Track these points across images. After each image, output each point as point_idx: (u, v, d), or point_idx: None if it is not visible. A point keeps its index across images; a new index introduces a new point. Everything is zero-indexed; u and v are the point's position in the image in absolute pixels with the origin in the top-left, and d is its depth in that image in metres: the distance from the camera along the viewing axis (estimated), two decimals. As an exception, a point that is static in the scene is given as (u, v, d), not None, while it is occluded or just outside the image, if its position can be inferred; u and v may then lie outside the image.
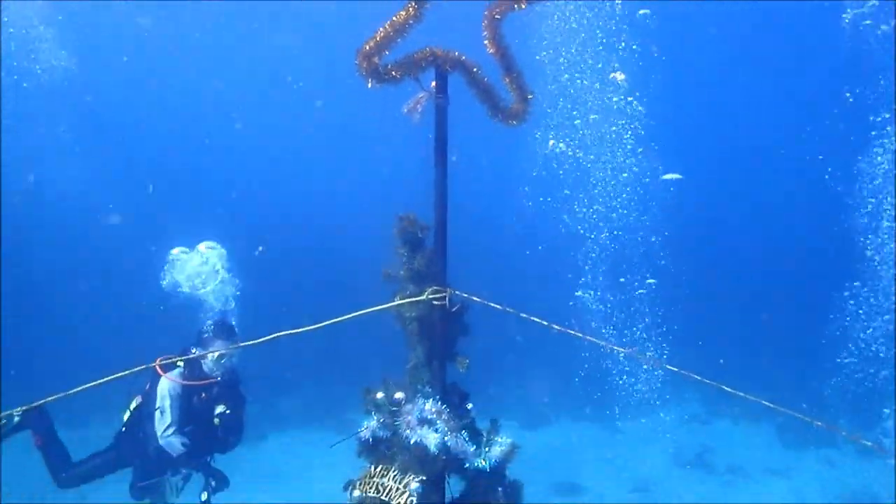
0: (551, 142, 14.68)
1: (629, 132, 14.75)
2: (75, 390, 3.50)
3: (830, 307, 14.16)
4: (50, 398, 3.58)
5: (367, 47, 3.77)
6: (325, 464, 4.38)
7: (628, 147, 14.85)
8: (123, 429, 6.29)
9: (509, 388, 17.21)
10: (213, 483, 6.17)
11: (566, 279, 15.70)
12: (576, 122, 14.67)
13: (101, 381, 3.54)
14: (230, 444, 6.30)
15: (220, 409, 6.11)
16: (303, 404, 15.50)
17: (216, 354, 6.04)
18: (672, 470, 14.01)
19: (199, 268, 6.63)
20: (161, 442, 5.96)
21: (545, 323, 3.96)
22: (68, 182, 20.38)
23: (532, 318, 3.97)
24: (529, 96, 4.14)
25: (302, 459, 13.15)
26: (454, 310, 4.14)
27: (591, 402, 17.14)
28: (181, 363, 6.08)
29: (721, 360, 13.68)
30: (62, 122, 21.05)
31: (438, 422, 3.99)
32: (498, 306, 4.03)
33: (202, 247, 6.74)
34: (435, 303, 4.07)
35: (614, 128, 14.68)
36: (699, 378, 4.35)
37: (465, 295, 4.12)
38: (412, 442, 3.97)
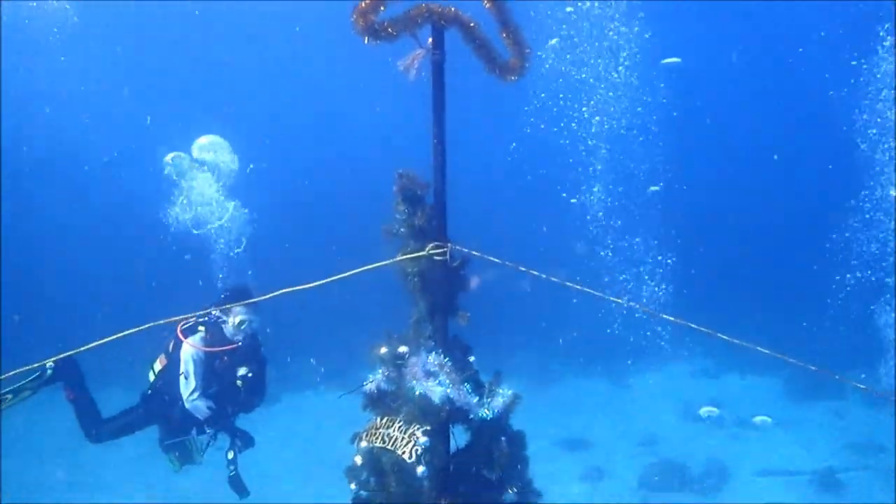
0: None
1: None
2: (101, 341, 3.59)
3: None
4: (80, 349, 3.66)
5: (363, 4, 3.77)
6: (337, 423, 4.50)
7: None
8: (150, 391, 6.42)
9: (518, 345, 17.35)
10: (238, 443, 6.32)
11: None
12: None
13: (126, 332, 3.62)
14: (253, 404, 6.41)
15: (242, 371, 6.20)
16: (316, 365, 15.71)
17: (237, 320, 6.14)
18: (680, 424, 14.19)
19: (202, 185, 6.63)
20: (187, 406, 6.11)
21: (543, 276, 4.02)
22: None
23: (531, 271, 4.02)
24: (527, 51, 4.14)
25: (314, 419, 13.39)
26: (455, 265, 4.19)
27: (599, 358, 17.33)
28: (203, 328, 6.16)
29: (723, 307, 13.67)
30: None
31: (441, 374, 4.07)
32: (497, 260, 4.09)
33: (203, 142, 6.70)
34: (436, 258, 4.13)
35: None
36: (697, 327, 4.41)
37: (465, 250, 4.18)
38: (416, 394, 4.06)
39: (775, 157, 22.41)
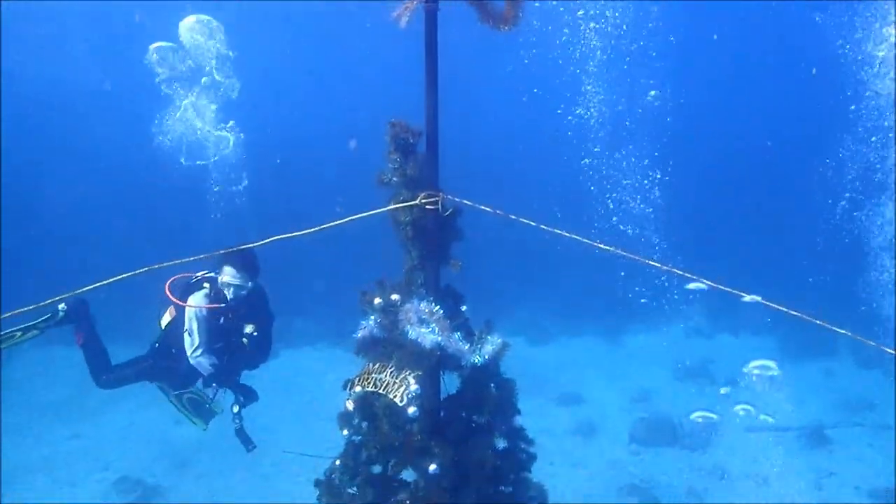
0: None
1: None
2: (109, 280, 3.65)
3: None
4: (87, 287, 3.72)
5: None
6: (334, 378, 4.63)
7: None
8: (157, 344, 6.52)
9: (513, 304, 17.49)
10: (241, 398, 6.41)
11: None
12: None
13: (132, 273, 3.68)
14: (258, 360, 6.52)
15: (248, 328, 6.26)
16: (314, 323, 15.86)
17: (227, 279, 6.16)
18: (672, 381, 14.39)
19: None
20: (191, 361, 6.22)
21: (533, 223, 4.08)
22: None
23: (522, 219, 4.08)
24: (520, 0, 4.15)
25: (312, 375, 13.57)
26: (447, 214, 4.25)
27: (595, 316, 17.48)
28: (207, 285, 6.20)
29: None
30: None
31: (432, 322, 4.15)
32: (488, 209, 4.14)
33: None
34: (428, 207, 4.19)
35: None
36: (701, 280, 4.47)
37: (457, 199, 4.23)
38: (408, 340, 4.15)
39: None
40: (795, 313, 4.43)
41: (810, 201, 15.55)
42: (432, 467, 4.09)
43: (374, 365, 4.35)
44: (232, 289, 6.14)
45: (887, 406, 12.50)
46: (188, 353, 6.19)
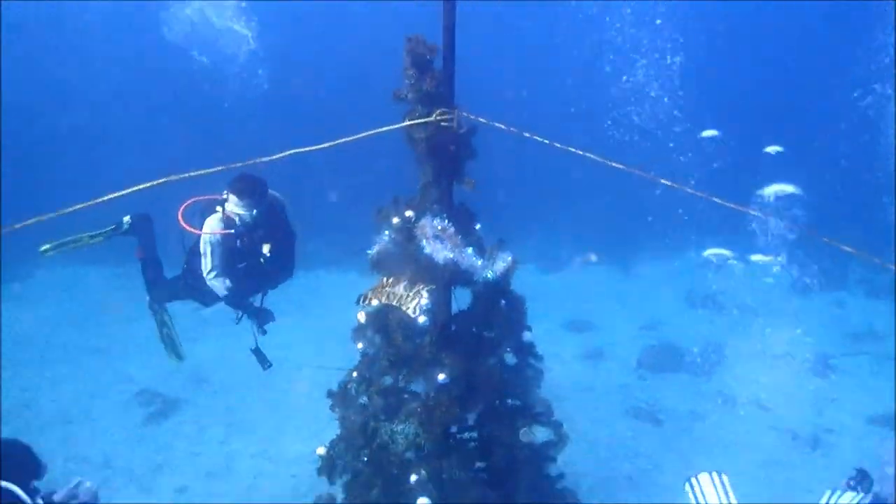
0: None
1: None
2: (127, 191, 3.73)
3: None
4: (105, 197, 3.79)
5: None
6: (348, 299, 4.75)
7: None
8: (185, 265, 6.62)
9: (526, 231, 17.55)
10: (258, 320, 6.52)
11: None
12: None
13: (149, 184, 3.76)
14: (280, 279, 6.58)
15: (265, 248, 6.25)
16: (326, 245, 16.01)
17: (231, 208, 6.16)
18: (682, 310, 14.54)
19: None
20: (208, 283, 6.31)
21: (546, 141, 4.10)
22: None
23: (535, 136, 4.11)
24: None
25: (325, 296, 13.78)
26: (462, 131, 4.29)
27: (608, 245, 17.54)
28: (220, 209, 6.18)
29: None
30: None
31: (446, 238, 4.24)
32: (502, 126, 4.17)
33: None
34: (443, 124, 4.22)
35: None
36: (722, 202, 4.51)
37: (472, 116, 4.26)
38: (422, 255, 4.25)
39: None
40: (825, 239, 4.46)
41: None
42: (441, 377, 4.24)
43: (388, 279, 4.47)
44: (237, 217, 6.15)
45: (892, 336, 12.64)
46: (203, 275, 6.28)
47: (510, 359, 4.77)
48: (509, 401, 4.64)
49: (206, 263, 6.21)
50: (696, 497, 4.08)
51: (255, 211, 6.09)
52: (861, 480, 5.88)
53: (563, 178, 17.46)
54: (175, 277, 6.70)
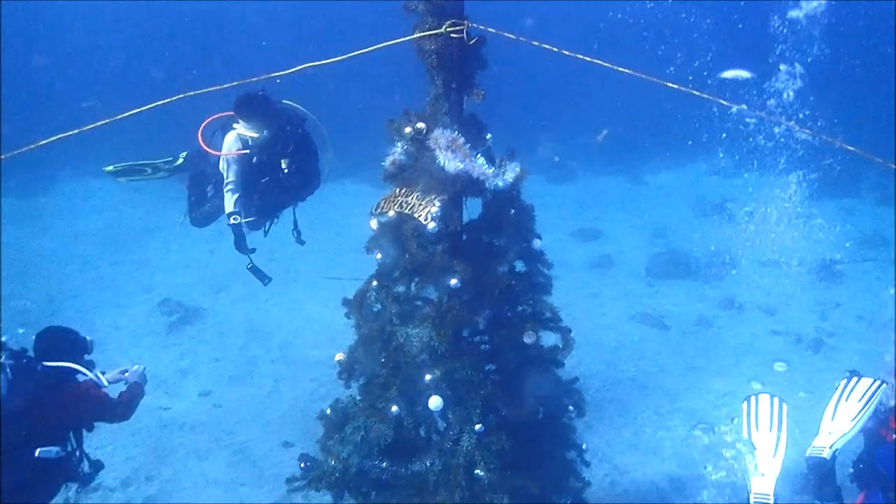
0: None
1: None
2: (146, 107, 3.82)
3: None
4: (138, 109, 3.88)
5: None
6: (361, 212, 4.88)
7: None
8: (213, 180, 6.69)
9: (536, 143, 17.52)
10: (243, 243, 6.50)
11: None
12: None
13: (167, 100, 3.85)
14: (303, 193, 6.65)
15: (283, 164, 6.30)
16: (338, 159, 16.06)
17: (241, 132, 6.19)
18: (691, 218, 14.66)
19: None
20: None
21: (555, 49, 4.13)
22: None
23: (544, 45, 4.14)
24: None
25: (339, 209, 13.96)
26: (471, 42, 4.31)
27: (618, 156, 17.51)
28: (237, 125, 6.21)
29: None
30: None
31: (456, 148, 4.33)
32: (512, 36, 4.19)
33: None
34: (453, 35, 4.24)
35: None
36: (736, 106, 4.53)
37: (482, 27, 4.27)
38: (433, 166, 4.35)
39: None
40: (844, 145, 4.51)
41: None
42: (453, 282, 4.41)
43: (400, 190, 4.59)
44: (249, 139, 6.20)
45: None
46: (224, 189, 6.40)
47: (520, 266, 4.92)
48: (519, 307, 4.82)
49: (227, 178, 6.33)
50: (749, 414, 4.23)
51: (265, 132, 6.13)
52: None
53: (574, 89, 17.28)
54: (214, 195, 6.75)
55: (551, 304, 4.90)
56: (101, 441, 7.79)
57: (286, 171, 6.29)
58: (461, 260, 4.51)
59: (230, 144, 6.25)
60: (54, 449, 4.27)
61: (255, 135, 6.12)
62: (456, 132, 4.35)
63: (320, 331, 9.86)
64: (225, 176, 6.30)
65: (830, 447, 4.18)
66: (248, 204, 6.49)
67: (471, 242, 4.72)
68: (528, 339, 4.62)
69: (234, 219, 6.35)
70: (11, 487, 4.10)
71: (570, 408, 5.05)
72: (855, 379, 4.99)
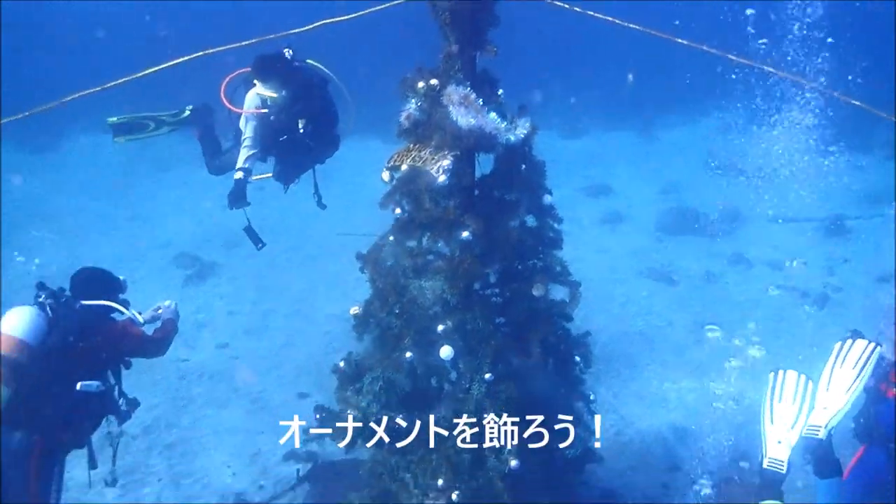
0: None
1: None
2: (165, 65, 3.89)
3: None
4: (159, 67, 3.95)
5: None
6: (374, 169, 4.97)
7: None
8: (233, 134, 6.74)
9: (548, 98, 17.43)
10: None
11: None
12: None
13: (187, 57, 3.93)
14: (324, 154, 6.61)
15: (301, 124, 6.28)
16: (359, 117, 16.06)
17: (259, 91, 6.19)
18: (701, 174, 14.65)
19: None
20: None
21: (567, 6, 4.17)
22: None
23: (556, 1, 4.17)
24: None
25: (351, 165, 13.99)
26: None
27: (630, 112, 17.44)
28: (257, 84, 6.20)
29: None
30: None
31: (469, 104, 4.40)
32: (524, -7, 4.22)
33: None
34: (465, -8, 4.29)
35: None
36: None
37: (495, -16, 4.31)
38: (446, 122, 4.43)
39: None
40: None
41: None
42: (465, 234, 4.53)
43: (414, 145, 4.68)
44: (268, 99, 6.22)
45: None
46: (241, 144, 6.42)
47: (531, 221, 5.03)
48: (529, 261, 4.94)
49: (245, 135, 6.35)
50: (774, 386, 4.31)
51: (283, 92, 6.13)
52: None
53: (586, 46, 17.12)
54: (229, 148, 6.82)
55: (561, 259, 5.02)
56: (125, 389, 8.09)
57: (306, 130, 6.26)
58: (472, 214, 4.62)
59: (250, 102, 6.28)
60: (94, 383, 4.46)
61: (274, 95, 6.14)
62: (468, 88, 4.42)
63: (333, 286, 10.05)
64: (243, 132, 6.34)
65: (826, 427, 4.26)
66: (265, 160, 6.56)
67: (483, 197, 4.83)
68: (536, 291, 4.74)
69: (240, 173, 6.36)
70: (55, 420, 4.32)
71: (577, 358, 5.19)
72: (850, 342, 5.12)
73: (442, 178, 4.43)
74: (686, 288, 10.47)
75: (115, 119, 6.90)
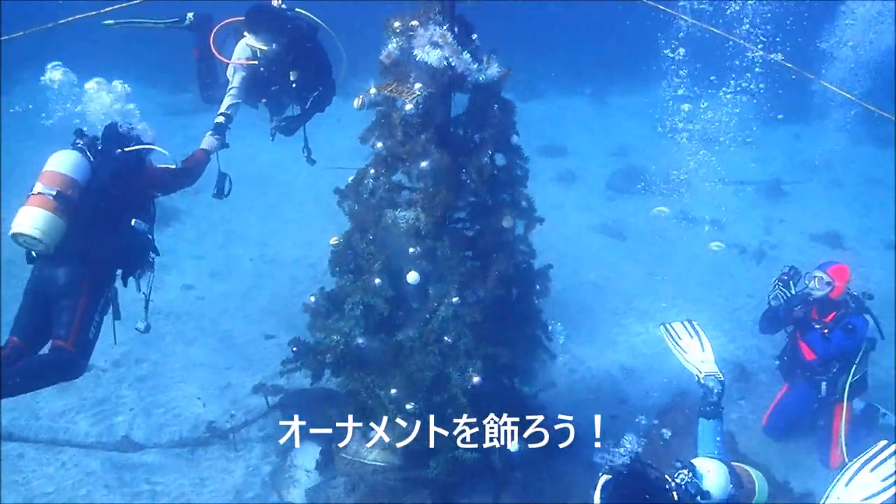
0: None
1: None
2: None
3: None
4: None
5: None
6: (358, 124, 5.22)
7: None
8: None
9: (512, 62, 17.71)
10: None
11: None
12: None
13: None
14: (320, 104, 6.70)
15: (292, 76, 6.33)
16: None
17: (249, 42, 6.19)
18: (650, 138, 15.16)
19: None
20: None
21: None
22: None
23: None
24: None
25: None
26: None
27: (585, 77, 17.88)
28: (247, 35, 6.21)
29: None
30: None
31: (444, 44, 4.71)
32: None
33: None
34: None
35: None
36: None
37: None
38: (422, 59, 4.73)
39: None
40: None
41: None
42: (423, 164, 4.87)
43: (392, 82, 4.97)
44: (259, 51, 6.22)
45: (843, 165, 13.58)
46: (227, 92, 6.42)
47: (500, 159, 5.39)
48: (500, 196, 5.30)
49: (232, 84, 6.38)
50: (671, 336, 4.74)
51: (274, 45, 6.16)
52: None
53: (544, 12, 17.42)
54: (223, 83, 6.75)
55: (528, 195, 5.41)
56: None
57: (297, 81, 6.33)
58: (445, 149, 4.95)
59: (240, 53, 6.29)
60: (144, 223, 4.90)
61: (265, 48, 6.16)
62: (445, 28, 4.72)
63: (296, 233, 10.29)
64: (230, 81, 6.36)
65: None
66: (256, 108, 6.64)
67: (456, 135, 5.17)
68: (506, 223, 5.13)
69: (222, 118, 6.34)
70: (106, 255, 4.68)
71: (538, 287, 5.62)
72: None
73: (409, 107, 4.74)
74: (634, 242, 11.02)
75: (111, 22, 6.69)
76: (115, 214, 4.73)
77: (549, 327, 5.90)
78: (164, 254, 9.70)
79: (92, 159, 4.72)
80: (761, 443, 6.82)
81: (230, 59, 6.33)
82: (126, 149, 4.93)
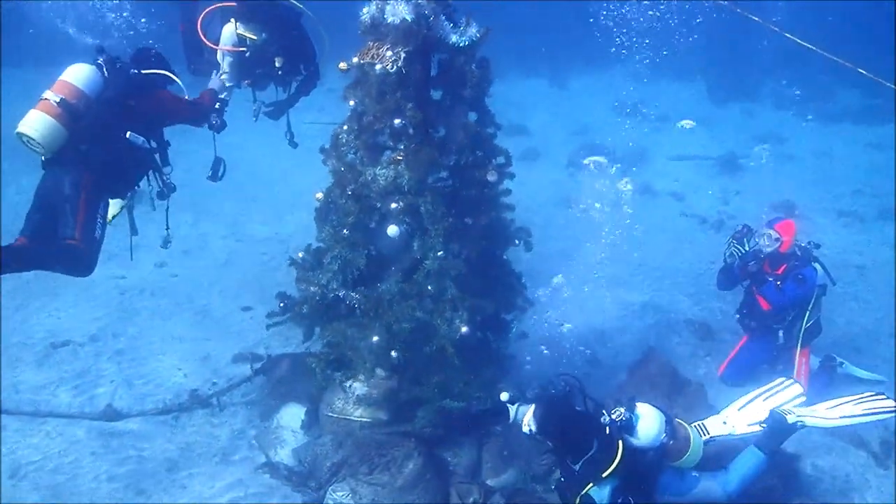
0: None
1: None
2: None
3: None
4: None
5: None
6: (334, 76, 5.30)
7: None
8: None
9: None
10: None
11: None
12: None
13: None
14: (305, 88, 6.80)
15: (277, 62, 6.37)
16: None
17: (238, 30, 6.22)
18: (609, 117, 15.59)
19: None
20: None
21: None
22: None
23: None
24: None
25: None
26: None
27: (544, 60, 18.19)
28: (233, 21, 6.23)
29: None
30: None
31: (423, 4, 4.88)
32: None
33: None
34: None
35: None
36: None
37: None
38: (401, 20, 4.89)
39: None
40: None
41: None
42: (397, 122, 5.03)
43: (373, 44, 5.12)
44: (247, 39, 6.26)
45: (794, 140, 14.10)
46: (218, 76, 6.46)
47: (473, 116, 5.58)
48: (478, 152, 5.50)
49: (222, 68, 6.42)
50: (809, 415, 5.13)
51: (263, 35, 6.23)
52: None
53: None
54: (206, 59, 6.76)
55: (505, 150, 5.63)
56: (64, 303, 8.20)
57: (282, 67, 6.40)
58: (414, 106, 5.09)
59: (227, 39, 6.32)
60: (141, 138, 5.03)
61: (254, 37, 6.22)
62: (426, -10, 4.88)
63: (266, 210, 10.35)
64: (221, 65, 6.40)
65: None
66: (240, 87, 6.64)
67: (437, 96, 5.36)
68: (490, 177, 5.34)
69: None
70: (104, 162, 4.85)
71: (517, 242, 5.84)
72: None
73: (378, 67, 4.90)
74: (599, 214, 11.29)
75: None
76: (115, 127, 4.91)
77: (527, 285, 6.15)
78: (133, 233, 9.83)
79: (107, 75, 4.92)
80: (727, 393, 7.16)
81: (216, 44, 6.34)
82: (143, 71, 5.15)
